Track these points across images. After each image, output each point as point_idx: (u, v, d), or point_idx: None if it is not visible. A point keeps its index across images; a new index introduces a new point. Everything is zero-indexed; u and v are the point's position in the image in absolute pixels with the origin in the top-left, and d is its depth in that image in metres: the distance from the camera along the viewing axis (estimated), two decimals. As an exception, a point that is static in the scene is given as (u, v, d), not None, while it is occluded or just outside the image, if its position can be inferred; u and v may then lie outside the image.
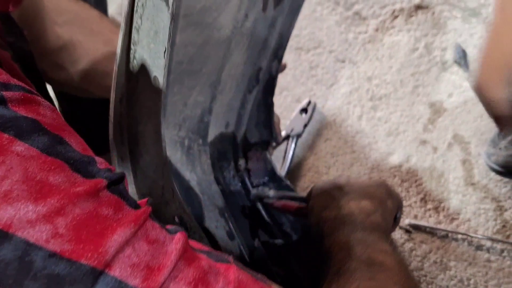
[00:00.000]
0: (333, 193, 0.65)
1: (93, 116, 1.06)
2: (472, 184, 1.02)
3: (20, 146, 0.30)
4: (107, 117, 0.53)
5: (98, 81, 0.74)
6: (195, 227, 0.57)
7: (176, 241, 0.33)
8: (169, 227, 0.37)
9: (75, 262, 0.28)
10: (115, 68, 0.51)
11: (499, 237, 0.97)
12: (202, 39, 0.68)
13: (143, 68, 0.50)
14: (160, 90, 0.50)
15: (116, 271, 0.29)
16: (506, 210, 0.98)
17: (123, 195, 0.34)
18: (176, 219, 0.56)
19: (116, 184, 0.34)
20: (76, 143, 0.34)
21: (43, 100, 0.35)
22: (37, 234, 0.28)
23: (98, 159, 0.35)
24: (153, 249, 0.31)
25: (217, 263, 0.36)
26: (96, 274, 0.28)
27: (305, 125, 1.21)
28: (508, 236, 0.96)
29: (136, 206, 0.35)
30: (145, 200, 0.38)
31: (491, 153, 0.98)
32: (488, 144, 1.00)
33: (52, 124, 0.33)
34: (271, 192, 0.94)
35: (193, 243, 0.37)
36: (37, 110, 0.33)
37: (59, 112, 0.36)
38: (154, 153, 0.53)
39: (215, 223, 0.78)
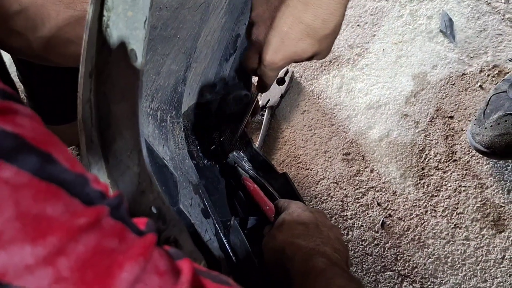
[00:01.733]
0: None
1: (59, 85, 0.97)
2: (454, 160, 0.99)
3: (7, 171, 0.24)
4: (75, 87, 0.45)
5: (61, 49, 0.66)
6: (174, 220, 0.52)
7: (185, 271, 0.30)
8: (168, 248, 0.34)
9: None
10: (85, 37, 0.43)
11: (479, 215, 0.95)
12: (177, 1, 0.62)
13: (118, 40, 0.43)
14: (138, 65, 0.44)
15: None
16: (487, 188, 0.96)
17: (126, 220, 0.30)
18: (154, 210, 0.50)
19: (117, 208, 0.30)
20: (64, 158, 0.29)
21: (18, 104, 0.29)
22: (38, 282, 0.24)
23: (89, 175, 0.30)
24: (164, 282, 0.28)
25: (220, 285, 0.33)
26: None
27: (282, 96, 1.14)
28: (488, 214, 0.94)
29: (139, 232, 0.31)
30: (144, 220, 0.34)
31: (476, 133, 0.95)
32: (473, 123, 0.96)
33: (35, 137, 0.28)
34: (246, 165, 0.90)
35: (194, 265, 0.32)
36: (15, 120, 0.27)
37: (38, 117, 0.30)
38: (129, 136, 0.47)
39: (190, 201, 0.74)
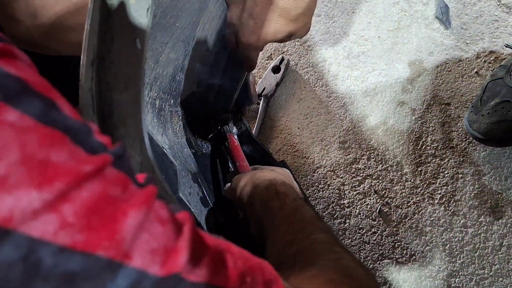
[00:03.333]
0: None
1: (60, 75, 0.95)
2: (451, 147, 0.98)
3: (12, 115, 0.24)
4: (77, 78, 0.45)
5: (61, 37, 0.65)
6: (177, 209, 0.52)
7: (186, 222, 0.30)
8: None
9: (90, 255, 0.24)
10: (87, 25, 0.43)
11: (476, 202, 0.94)
12: None
13: (121, 28, 0.43)
14: (141, 53, 0.43)
15: (137, 261, 0.25)
16: (484, 174, 0.95)
17: (128, 171, 0.29)
18: None
19: (120, 158, 0.29)
20: (67, 107, 0.28)
21: (17, 49, 0.29)
22: (43, 227, 0.23)
23: (93, 126, 0.30)
24: (167, 231, 0.28)
25: (215, 239, 0.34)
26: (115, 266, 0.24)
27: (278, 84, 1.13)
28: (485, 201, 0.94)
29: (139, 184, 0.30)
30: (143, 175, 0.33)
31: (473, 120, 0.94)
32: (470, 110, 0.96)
33: (37, 83, 0.27)
34: (234, 129, 0.91)
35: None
36: (16, 63, 0.27)
37: (35, 66, 0.29)
38: (132, 125, 0.46)
39: (189, 190, 0.74)
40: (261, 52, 1.18)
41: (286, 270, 0.46)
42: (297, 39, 1.17)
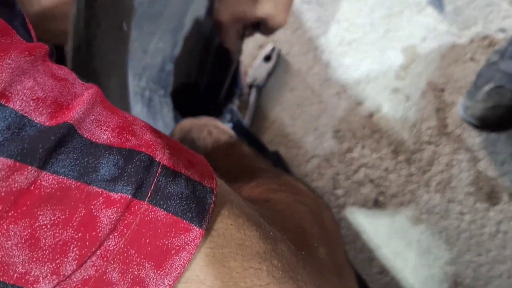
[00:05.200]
0: None
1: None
2: (446, 134, 0.97)
3: None
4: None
5: (45, 26, 0.64)
6: None
7: (88, 87, 0.26)
8: None
9: None
10: (73, 11, 0.42)
11: (472, 188, 0.93)
12: None
13: (106, 12, 0.42)
14: (127, 36, 0.42)
15: (16, 104, 0.22)
16: (479, 160, 0.94)
17: (13, 23, 0.25)
18: None
19: (7, 7, 0.26)
20: None
21: None
22: None
23: None
24: (61, 86, 0.24)
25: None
26: None
27: (269, 74, 1.11)
28: (481, 187, 0.93)
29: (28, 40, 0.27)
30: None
31: (467, 106, 0.93)
32: (464, 96, 0.95)
33: None
34: (226, 118, 0.90)
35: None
36: None
37: None
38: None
39: None
40: (251, 41, 1.16)
41: None
42: (288, 28, 1.16)
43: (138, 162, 0.24)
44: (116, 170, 0.23)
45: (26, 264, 0.22)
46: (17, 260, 0.22)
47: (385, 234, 0.96)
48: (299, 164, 1.06)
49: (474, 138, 0.95)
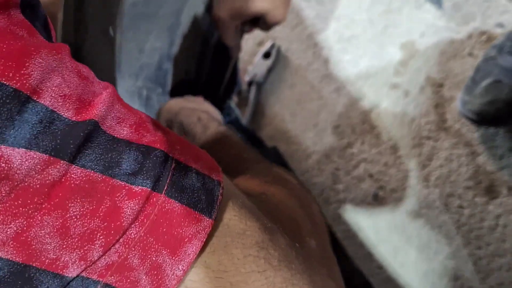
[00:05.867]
0: None
1: None
2: (445, 129, 0.98)
3: None
4: None
5: None
6: None
7: (106, 86, 0.28)
8: None
9: None
10: (61, 16, 0.42)
11: (471, 182, 0.94)
12: None
13: (93, 16, 0.43)
14: (114, 41, 0.43)
15: (46, 100, 0.23)
16: (478, 155, 0.95)
17: (36, 25, 0.26)
18: None
19: (31, 8, 0.27)
20: None
21: None
22: None
23: None
24: (84, 84, 0.26)
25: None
26: (22, 98, 0.22)
27: (269, 71, 1.12)
28: (480, 181, 0.93)
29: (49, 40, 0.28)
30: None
31: (466, 101, 0.94)
32: (463, 91, 0.95)
33: None
34: (224, 115, 0.90)
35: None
36: None
37: None
38: None
39: None
40: (251, 38, 1.17)
41: None
42: (287, 25, 1.16)
43: (154, 158, 0.26)
44: (136, 165, 0.25)
45: (57, 251, 0.23)
46: (49, 247, 0.23)
47: (385, 228, 0.97)
48: (299, 160, 1.06)
49: (473, 132, 0.96)
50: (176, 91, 0.84)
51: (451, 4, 1.04)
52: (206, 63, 0.87)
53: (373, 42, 1.09)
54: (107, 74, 0.47)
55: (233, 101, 0.96)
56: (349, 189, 1.01)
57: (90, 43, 0.44)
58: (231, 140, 0.57)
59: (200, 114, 0.64)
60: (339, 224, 1.00)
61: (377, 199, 0.98)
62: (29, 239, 0.23)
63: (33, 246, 0.23)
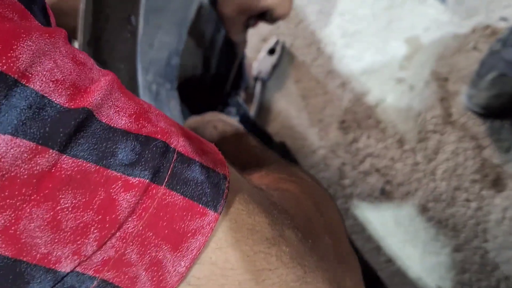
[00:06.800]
0: None
1: None
2: (450, 122, 0.98)
3: None
4: None
5: (54, 22, 0.64)
6: None
7: (105, 73, 0.26)
8: None
9: None
10: (81, 6, 0.42)
11: (477, 176, 0.94)
12: None
13: (114, 6, 0.43)
14: (136, 29, 0.42)
15: (36, 85, 0.22)
16: (484, 148, 0.95)
17: (34, 9, 0.25)
18: None
19: None
20: None
21: None
22: None
23: None
24: (79, 70, 0.24)
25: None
26: (9, 82, 0.21)
27: (274, 66, 1.12)
28: (487, 175, 0.94)
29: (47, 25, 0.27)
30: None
31: (472, 95, 0.94)
32: (468, 85, 0.96)
33: None
34: (233, 111, 0.90)
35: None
36: None
37: None
38: None
39: None
40: (255, 35, 1.17)
41: None
42: (291, 21, 1.16)
43: (154, 148, 0.25)
44: (134, 156, 0.24)
45: (48, 245, 0.22)
46: (40, 241, 0.22)
47: (392, 222, 0.97)
48: (305, 156, 1.06)
49: (479, 126, 0.96)
50: (184, 86, 0.84)
51: (455, -1, 1.05)
52: (213, 59, 0.87)
53: (377, 37, 1.09)
54: (129, 62, 0.47)
55: (241, 97, 0.96)
56: (355, 184, 1.01)
57: (111, 32, 0.44)
58: (249, 141, 0.56)
59: (215, 123, 0.64)
60: (346, 218, 1.00)
61: (384, 193, 0.99)
62: (18, 232, 0.21)
63: (23, 240, 0.22)
